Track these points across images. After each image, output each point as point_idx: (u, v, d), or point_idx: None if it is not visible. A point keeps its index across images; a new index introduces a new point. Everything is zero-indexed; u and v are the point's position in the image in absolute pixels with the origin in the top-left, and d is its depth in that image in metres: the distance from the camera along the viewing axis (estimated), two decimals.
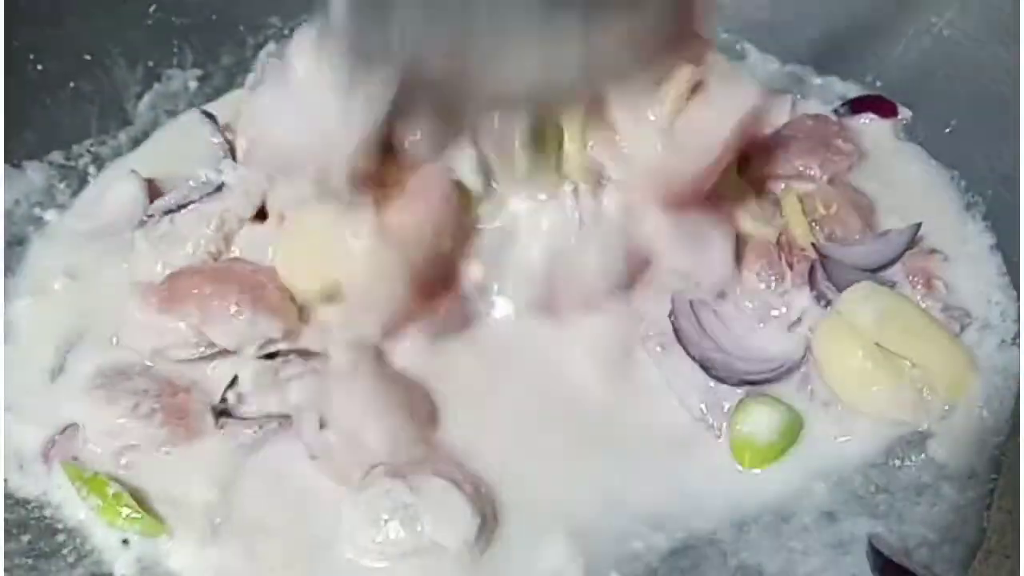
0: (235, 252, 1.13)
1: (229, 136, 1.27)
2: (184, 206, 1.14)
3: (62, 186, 1.29)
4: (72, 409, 1.04)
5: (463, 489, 0.94)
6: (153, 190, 1.23)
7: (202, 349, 1.05)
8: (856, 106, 1.31)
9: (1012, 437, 1.00)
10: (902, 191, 1.22)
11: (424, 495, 0.93)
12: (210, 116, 1.31)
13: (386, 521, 0.92)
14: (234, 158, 1.20)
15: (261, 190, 1.13)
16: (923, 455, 1.02)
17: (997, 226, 1.15)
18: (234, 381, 1.04)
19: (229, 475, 1.00)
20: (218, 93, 1.43)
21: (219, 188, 1.14)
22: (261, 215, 1.14)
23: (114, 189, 1.24)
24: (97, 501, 0.96)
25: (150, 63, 1.38)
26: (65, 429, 1.03)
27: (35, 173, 1.27)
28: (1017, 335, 1.08)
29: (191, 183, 1.17)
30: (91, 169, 1.32)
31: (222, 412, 1.03)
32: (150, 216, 1.16)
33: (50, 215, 1.27)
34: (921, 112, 1.27)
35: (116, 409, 1.01)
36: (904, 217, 1.16)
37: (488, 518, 0.95)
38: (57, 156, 1.29)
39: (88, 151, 1.32)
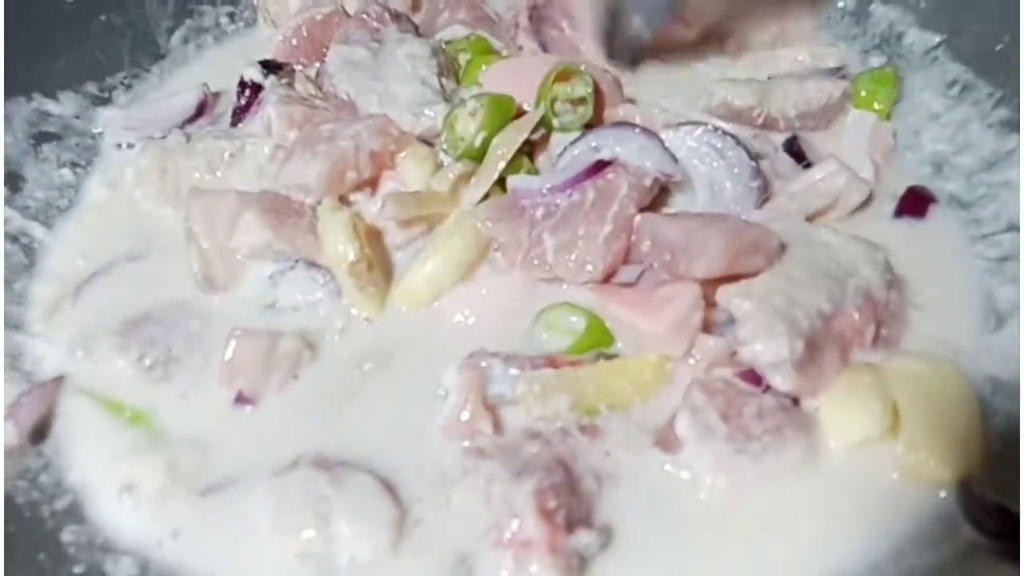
0: None
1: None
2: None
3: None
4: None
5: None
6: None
7: None
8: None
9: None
10: None
11: (345, 492, 0.85)
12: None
13: (296, 511, 0.85)
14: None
15: None
16: None
17: None
18: None
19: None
20: (248, 27, 1.46)
21: None
22: None
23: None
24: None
25: None
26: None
27: (69, 103, 1.29)
28: None
29: None
30: (123, 100, 1.35)
31: None
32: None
33: None
34: (969, 31, 1.17)
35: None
36: None
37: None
38: (91, 87, 1.32)
39: (122, 83, 1.35)
